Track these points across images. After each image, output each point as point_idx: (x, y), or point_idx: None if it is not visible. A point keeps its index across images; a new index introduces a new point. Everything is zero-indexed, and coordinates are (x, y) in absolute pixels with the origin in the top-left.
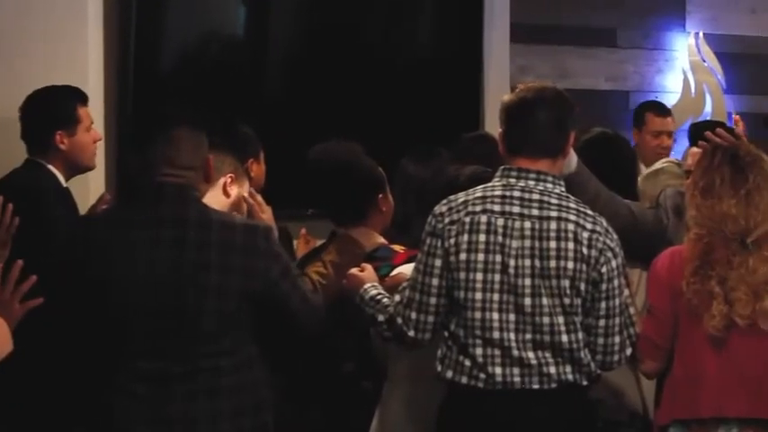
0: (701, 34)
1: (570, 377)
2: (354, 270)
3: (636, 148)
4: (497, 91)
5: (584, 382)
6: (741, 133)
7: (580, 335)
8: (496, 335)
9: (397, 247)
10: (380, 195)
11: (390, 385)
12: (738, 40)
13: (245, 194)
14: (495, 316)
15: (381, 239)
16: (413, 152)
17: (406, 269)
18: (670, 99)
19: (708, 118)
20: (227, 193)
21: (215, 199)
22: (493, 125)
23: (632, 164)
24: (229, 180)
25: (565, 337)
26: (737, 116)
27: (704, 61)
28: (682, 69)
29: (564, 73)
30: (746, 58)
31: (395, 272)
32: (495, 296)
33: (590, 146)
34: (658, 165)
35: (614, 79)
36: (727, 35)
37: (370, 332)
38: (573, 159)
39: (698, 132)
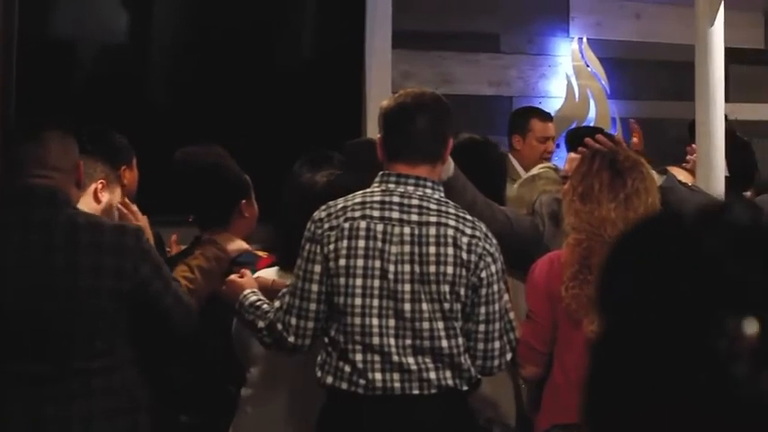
0: (584, 39)
1: (450, 382)
2: (234, 276)
3: (517, 154)
4: (379, 97)
5: (465, 388)
6: (636, 143)
7: (460, 340)
8: (376, 340)
9: (261, 253)
10: (244, 201)
11: (247, 391)
12: (622, 46)
13: (117, 202)
14: (375, 321)
15: (244, 245)
16: (305, 158)
17: (267, 273)
18: (554, 104)
19: (592, 123)
20: (97, 200)
21: (86, 205)
22: (375, 131)
23: (501, 169)
24: (100, 186)
25: (445, 343)
26: (633, 121)
27: (588, 66)
28: (565, 75)
29: (447, 78)
30: (631, 63)
31: (254, 276)
32: (375, 302)
33: (458, 151)
34: (535, 170)
35: (497, 85)
36: (612, 40)
37: (233, 337)
38: (451, 165)
39: (576, 138)
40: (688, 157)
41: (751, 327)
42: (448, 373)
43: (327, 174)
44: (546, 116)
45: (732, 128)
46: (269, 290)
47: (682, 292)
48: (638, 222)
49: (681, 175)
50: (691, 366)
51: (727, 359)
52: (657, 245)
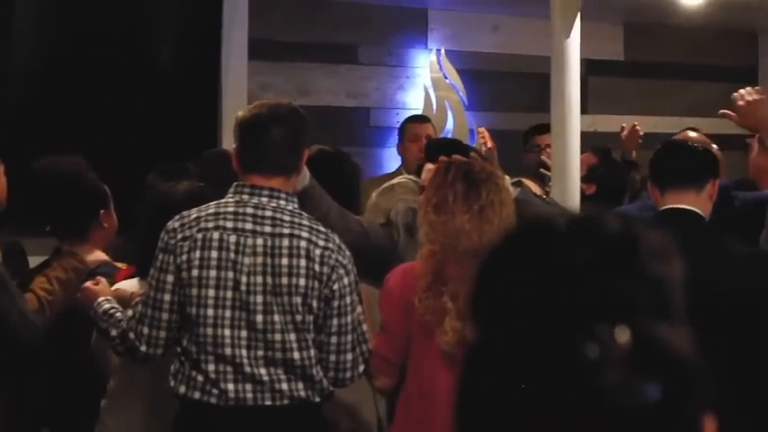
0: (442, 51)
1: (303, 394)
2: (88, 283)
3: (405, 163)
4: (235, 108)
5: (317, 399)
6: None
7: (312, 352)
8: (228, 351)
9: (120, 264)
10: (103, 211)
11: (109, 402)
12: (480, 57)
13: None
14: (227, 332)
15: (103, 256)
16: (160, 169)
17: (126, 285)
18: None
19: (450, 135)
20: None
21: None
22: (231, 142)
23: (354, 180)
24: None
25: (297, 354)
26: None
27: (446, 78)
28: (423, 86)
29: (305, 90)
30: (488, 75)
31: (113, 288)
32: (228, 312)
33: (311, 163)
34: (395, 180)
35: (356, 96)
36: (470, 52)
37: (92, 347)
38: (306, 176)
39: (433, 149)
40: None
41: (622, 335)
42: (300, 385)
43: (188, 184)
44: (417, 117)
45: (607, 147)
46: (128, 301)
47: (553, 301)
48: (510, 231)
49: (532, 187)
50: (563, 375)
51: (600, 368)
52: (529, 253)
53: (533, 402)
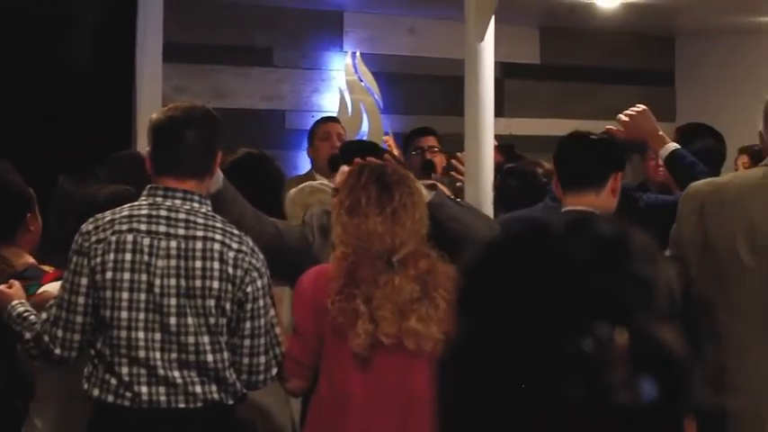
0: (358, 54)
1: (216, 396)
2: (2, 287)
3: (314, 164)
4: (150, 110)
5: (231, 402)
6: (395, 153)
7: (225, 354)
8: (142, 354)
9: (47, 268)
10: (29, 214)
11: (36, 404)
12: (396, 60)
13: None
14: (141, 335)
15: (30, 259)
16: (70, 172)
17: (53, 288)
18: None
19: (365, 137)
20: None
21: None
22: (145, 144)
23: (279, 183)
24: None
25: (210, 357)
26: (388, 138)
27: (361, 81)
28: (339, 89)
29: (220, 92)
30: (404, 77)
31: (40, 290)
32: (141, 315)
33: (237, 167)
34: (314, 182)
35: (270, 99)
36: (385, 55)
37: (18, 350)
38: (219, 178)
39: (348, 151)
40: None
41: (621, 334)
42: (214, 387)
43: (114, 187)
44: (327, 118)
45: (511, 144)
46: None
47: (552, 301)
48: (507, 230)
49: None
50: (564, 375)
51: (601, 367)
52: (528, 254)
53: (533, 402)
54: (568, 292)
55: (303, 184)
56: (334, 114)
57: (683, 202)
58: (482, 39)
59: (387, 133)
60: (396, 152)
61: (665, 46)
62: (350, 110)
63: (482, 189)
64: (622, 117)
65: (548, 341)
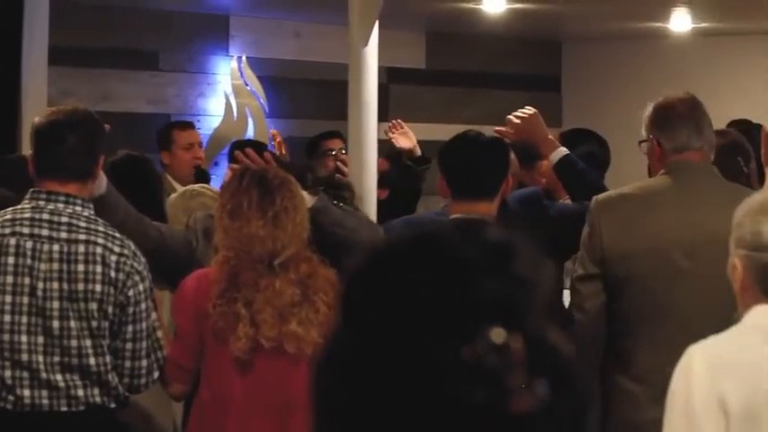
0: (243, 58)
1: (98, 399)
2: None
3: (169, 169)
4: (35, 114)
5: (113, 405)
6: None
7: (107, 358)
8: (25, 357)
9: None
10: None
11: None
12: (282, 65)
13: None
14: (24, 338)
15: None
16: None
17: None
18: (212, 122)
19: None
20: None
21: None
22: (30, 148)
23: (158, 185)
24: None
25: (92, 360)
26: (275, 131)
27: (247, 85)
28: (224, 93)
29: (106, 96)
30: (290, 82)
31: None
32: (24, 318)
33: (116, 168)
34: (196, 186)
35: (156, 102)
36: (271, 59)
37: None
38: (103, 182)
39: (236, 150)
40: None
41: (516, 340)
42: (96, 391)
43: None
44: (186, 124)
45: (398, 152)
46: None
47: (444, 305)
48: (393, 235)
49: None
50: (458, 379)
51: (498, 373)
52: (417, 258)
53: (425, 405)
54: (458, 297)
55: (184, 189)
56: (220, 119)
57: (593, 215)
58: (366, 43)
59: (271, 137)
60: (283, 149)
61: (552, 51)
62: (235, 114)
63: (366, 193)
64: (513, 119)
65: (438, 345)
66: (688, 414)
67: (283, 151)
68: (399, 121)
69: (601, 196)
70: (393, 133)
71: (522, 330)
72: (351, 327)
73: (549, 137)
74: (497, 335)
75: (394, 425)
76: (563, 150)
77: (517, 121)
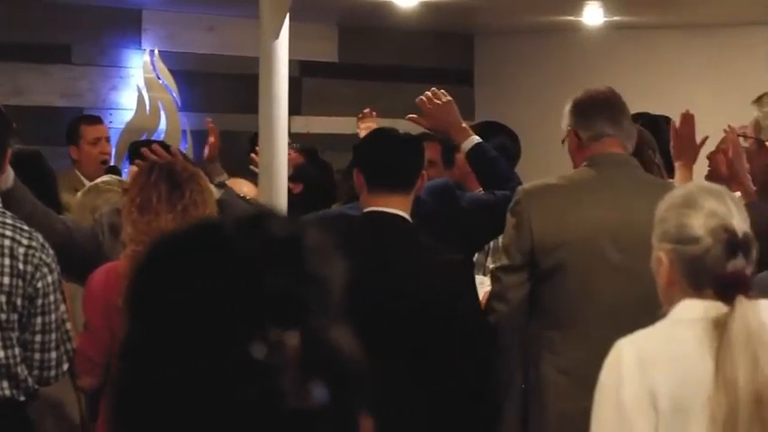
0: (156, 52)
1: (7, 392)
2: None
3: (77, 164)
4: None
5: (22, 398)
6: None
7: (17, 350)
8: None
9: None
10: None
11: None
12: (195, 58)
13: None
14: None
15: None
16: None
17: None
18: (125, 116)
19: (162, 136)
20: None
21: None
22: None
23: (53, 180)
24: None
25: (1, 353)
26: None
27: (159, 79)
28: (137, 87)
29: (17, 90)
30: (203, 75)
31: None
32: None
33: (15, 163)
34: (99, 180)
35: (69, 96)
36: (184, 53)
37: None
38: (10, 176)
39: (136, 150)
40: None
41: (292, 336)
42: (5, 384)
43: None
44: (93, 119)
45: (313, 147)
46: None
47: (222, 302)
48: (175, 230)
49: (245, 187)
50: (234, 377)
51: (271, 370)
52: (197, 253)
53: (203, 403)
54: (234, 291)
55: (89, 186)
56: (133, 112)
57: (521, 205)
58: (277, 36)
59: (183, 131)
60: (212, 139)
61: (464, 45)
62: (148, 108)
63: (276, 186)
64: (423, 99)
65: (213, 341)
66: (618, 408)
67: (212, 139)
68: (371, 111)
69: (527, 186)
70: (363, 124)
71: (300, 329)
72: (134, 319)
73: (463, 125)
74: (273, 332)
75: (178, 420)
76: (476, 138)
77: (430, 106)
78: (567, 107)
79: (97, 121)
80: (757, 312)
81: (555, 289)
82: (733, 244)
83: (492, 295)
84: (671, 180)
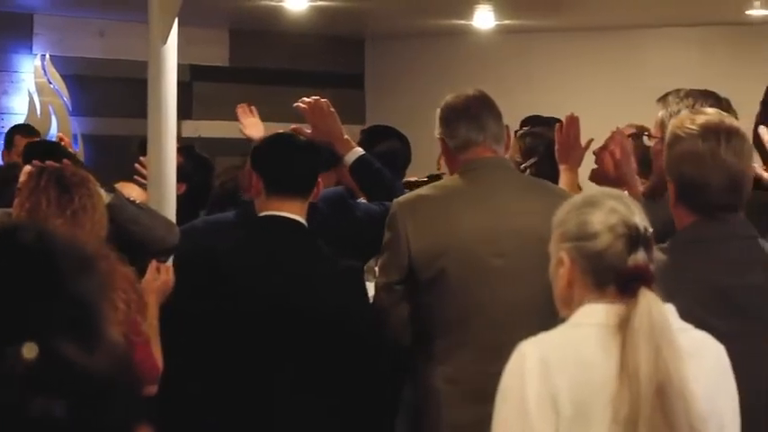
0: (47, 56)
1: None
2: None
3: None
4: None
5: None
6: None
7: None
8: None
9: None
10: None
11: None
12: (86, 63)
13: None
14: None
15: None
16: None
17: None
18: (16, 120)
19: (54, 139)
20: None
21: None
22: None
23: None
24: None
25: None
26: (61, 134)
27: (50, 83)
28: (28, 91)
29: None
30: (93, 80)
31: None
32: None
33: None
34: None
35: None
36: (75, 57)
37: None
38: None
39: (31, 153)
40: (139, 172)
41: (29, 352)
42: None
43: None
44: (30, 131)
45: (190, 144)
46: None
47: None
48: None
49: (135, 191)
50: None
51: (8, 384)
52: None
53: None
54: None
55: None
56: (24, 117)
57: (396, 218)
58: (165, 41)
59: (74, 135)
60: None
61: (355, 49)
62: (38, 112)
63: (165, 192)
64: (301, 105)
65: None
66: (520, 411)
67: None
68: (250, 106)
69: (401, 199)
70: (245, 121)
71: (39, 344)
72: None
73: (346, 137)
74: (10, 347)
75: None
76: (359, 150)
77: (304, 106)
78: (438, 112)
79: (34, 133)
80: (660, 305)
81: (437, 299)
82: (634, 238)
83: (376, 311)
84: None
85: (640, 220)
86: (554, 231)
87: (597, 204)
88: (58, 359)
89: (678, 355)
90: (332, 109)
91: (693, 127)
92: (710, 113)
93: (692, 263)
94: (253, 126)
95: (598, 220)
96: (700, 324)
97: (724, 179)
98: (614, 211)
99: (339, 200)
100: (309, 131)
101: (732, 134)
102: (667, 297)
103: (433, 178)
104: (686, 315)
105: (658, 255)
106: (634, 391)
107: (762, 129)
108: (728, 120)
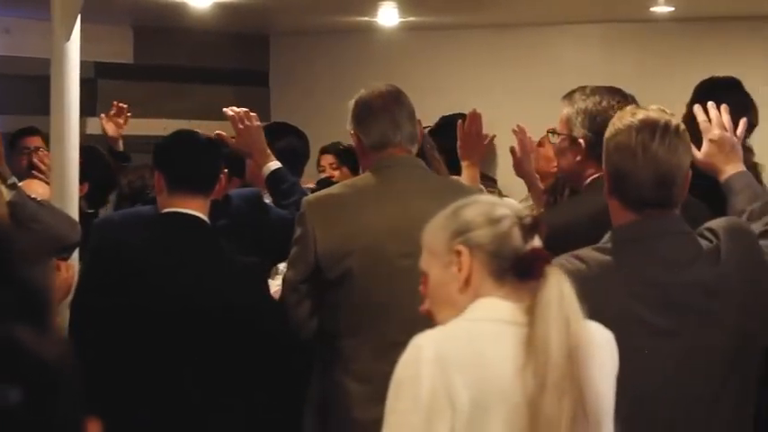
0: None
1: None
2: None
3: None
4: None
5: None
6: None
7: None
8: None
9: None
10: None
11: None
12: None
13: None
14: None
15: None
16: None
17: None
18: None
19: None
20: None
21: None
22: None
23: None
24: None
25: None
26: None
27: None
28: None
29: None
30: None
31: None
32: None
33: None
34: None
35: None
36: None
37: None
38: None
39: None
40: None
41: None
42: None
43: None
44: (29, 131)
45: (90, 144)
46: None
47: None
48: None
49: (40, 188)
50: None
51: None
52: None
53: None
54: None
55: None
56: None
57: (304, 217)
58: (68, 38)
59: None
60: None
61: (260, 46)
62: None
63: (67, 189)
64: (229, 112)
65: None
66: (415, 404)
67: None
68: (121, 104)
69: (311, 197)
70: (108, 115)
71: None
72: None
73: (267, 151)
74: None
75: None
76: (276, 164)
77: (242, 126)
78: (350, 107)
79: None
80: (567, 281)
81: (345, 298)
82: (528, 226)
83: (284, 308)
84: (457, 177)
85: (529, 213)
86: (438, 235)
87: (482, 200)
88: (13, 344)
89: (584, 324)
90: (258, 123)
91: (632, 120)
92: (654, 110)
93: (629, 261)
94: (111, 123)
95: (491, 210)
96: (639, 322)
97: (652, 174)
98: (507, 206)
99: (255, 200)
100: (235, 141)
101: (669, 130)
102: (606, 296)
103: (324, 184)
104: (625, 313)
105: (596, 254)
106: (542, 362)
107: (697, 107)
108: (669, 117)
